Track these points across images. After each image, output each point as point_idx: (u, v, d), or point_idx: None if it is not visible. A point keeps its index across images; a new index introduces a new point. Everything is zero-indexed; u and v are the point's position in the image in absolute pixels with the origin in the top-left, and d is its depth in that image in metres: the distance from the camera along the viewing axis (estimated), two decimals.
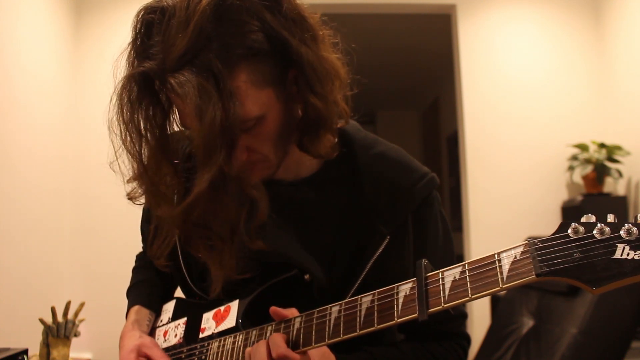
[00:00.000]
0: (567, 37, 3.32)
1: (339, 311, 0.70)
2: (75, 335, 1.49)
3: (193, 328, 0.89)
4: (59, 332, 1.45)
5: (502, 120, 3.26)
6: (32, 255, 2.59)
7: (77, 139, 3.07)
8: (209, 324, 0.87)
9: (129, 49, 0.72)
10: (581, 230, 0.55)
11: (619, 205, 2.94)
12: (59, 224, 2.93)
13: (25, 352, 1.36)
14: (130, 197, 0.83)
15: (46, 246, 2.76)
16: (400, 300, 0.65)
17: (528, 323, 1.85)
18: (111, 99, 0.73)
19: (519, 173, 3.23)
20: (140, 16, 0.69)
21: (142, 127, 0.72)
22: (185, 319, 0.92)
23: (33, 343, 1.53)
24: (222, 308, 0.87)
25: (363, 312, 0.68)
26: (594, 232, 0.54)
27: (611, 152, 2.97)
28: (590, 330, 1.59)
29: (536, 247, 0.57)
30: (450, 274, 0.63)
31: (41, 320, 1.48)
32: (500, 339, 1.88)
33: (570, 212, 3.05)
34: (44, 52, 2.79)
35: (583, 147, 3.07)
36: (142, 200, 0.83)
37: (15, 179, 2.44)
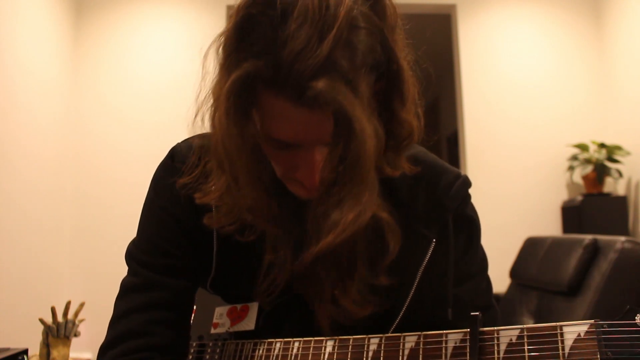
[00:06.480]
0: (567, 37, 3.32)
1: (379, 345, 0.67)
2: (75, 335, 1.49)
3: (204, 320, 0.85)
4: (59, 332, 1.45)
5: (502, 120, 3.26)
6: (32, 255, 2.59)
7: (77, 139, 3.07)
8: (222, 319, 0.82)
9: (230, 41, 0.62)
10: None
11: (619, 205, 2.93)
12: (59, 224, 2.93)
13: (25, 352, 1.36)
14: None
15: (46, 246, 2.76)
16: (450, 350, 0.63)
17: (528, 323, 1.85)
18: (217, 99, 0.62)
19: (519, 173, 3.23)
20: (242, 7, 0.60)
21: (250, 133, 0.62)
22: (194, 306, 0.85)
23: (33, 343, 1.52)
24: (238, 306, 0.81)
25: (407, 352, 0.65)
26: None
27: (611, 152, 2.97)
28: None
29: (602, 330, 0.55)
30: (506, 335, 0.60)
31: (41, 320, 1.47)
32: None
33: (570, 212, 3.04)
34: (44, 52, 2.79)
35: (583, 147, 3.07)
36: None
37: (15, 179, 2.44)
